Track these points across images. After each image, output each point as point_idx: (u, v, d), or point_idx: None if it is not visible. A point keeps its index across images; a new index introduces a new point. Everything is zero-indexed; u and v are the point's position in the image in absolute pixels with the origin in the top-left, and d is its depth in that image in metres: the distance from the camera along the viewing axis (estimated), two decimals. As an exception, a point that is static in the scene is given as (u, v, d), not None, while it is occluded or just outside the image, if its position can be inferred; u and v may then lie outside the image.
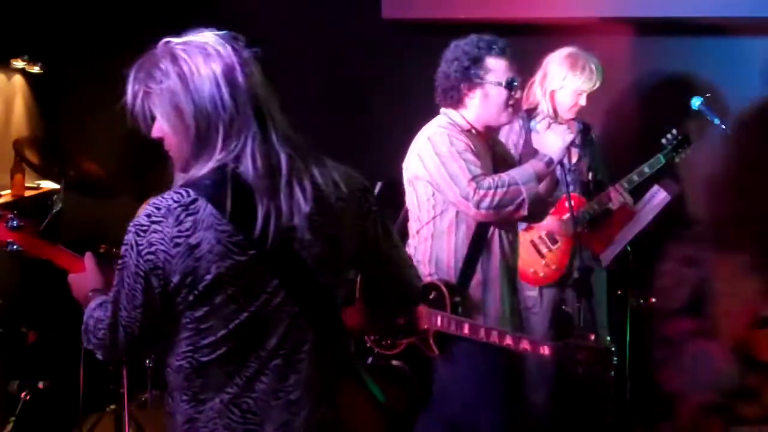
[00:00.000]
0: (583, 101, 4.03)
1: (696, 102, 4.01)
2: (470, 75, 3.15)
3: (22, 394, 3.96)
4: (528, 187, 3.10)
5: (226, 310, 1.89)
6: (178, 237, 1.85)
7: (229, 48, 1.97)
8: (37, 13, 4.72)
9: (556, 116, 4.03)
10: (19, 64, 4.82)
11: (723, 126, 3.95)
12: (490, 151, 3.31)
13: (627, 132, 4.78)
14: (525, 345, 2.96)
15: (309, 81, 5.39)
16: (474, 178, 3.08)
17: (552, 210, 3.95)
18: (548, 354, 2.91)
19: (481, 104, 3.19)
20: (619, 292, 4.36)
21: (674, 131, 4.09)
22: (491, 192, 3.06)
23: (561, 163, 3.85)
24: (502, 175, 3.13)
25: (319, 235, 1.95)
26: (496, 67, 3.15)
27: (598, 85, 4.04)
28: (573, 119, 4.05)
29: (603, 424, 4.23)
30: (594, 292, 3.96)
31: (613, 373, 2.86)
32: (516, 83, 3.17)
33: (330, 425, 2.02)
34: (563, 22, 4.94)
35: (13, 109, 4.99)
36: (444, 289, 3.12)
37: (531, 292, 4.06)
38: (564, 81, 4.00)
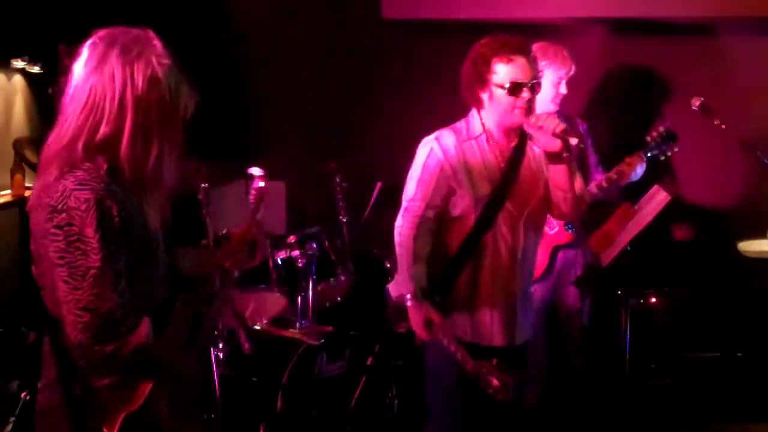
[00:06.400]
0: (563, 89, 4.05)
1: (696, 102, 4.00)
2: (478, 75, 3.14)
3: (22, 394, 3.96)
4: (399, 284, 3.20)
5: None
6: None
7: None
8: (37, 13, 4.72)
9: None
10: (19, 64, 4.82)
11: (723, 126, 3.94)
12: (507, 158, 3.20)
13: (619, 132, 4.80)
14: (468, 366, 3.08)
15: (309, 81, 5.39)
16: (411, 200, 3.19)
17: None
18: (468, 370, 3.06)
19: (490, 106, 3.17)
20: (619, 292, 4.36)
21: (661, 128, 4.05)
22: (399, 229, 3.21)
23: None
24: (411, 251, 3.17)
25: None
26: (501, 70, 3.10)
27: (573, 70, 4.05)
28: (556, 113, 4.07)
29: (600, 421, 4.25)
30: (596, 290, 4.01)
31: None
32: (522, 86, 3.09)
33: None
34: (563, 22, 4.94)
35: (13, 109, 4.99)
36: None
37: None
38: (540, 72, 4.02)
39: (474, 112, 3.23)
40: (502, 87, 3.10)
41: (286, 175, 5.33)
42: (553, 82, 4.02)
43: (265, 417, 3.98)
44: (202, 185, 4.22)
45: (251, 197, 2.67)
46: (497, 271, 3.18)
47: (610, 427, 4.33)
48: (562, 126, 3.12)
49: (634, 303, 4.53)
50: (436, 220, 3.19)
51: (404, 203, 3.23)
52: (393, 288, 3.24)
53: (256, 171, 2.75)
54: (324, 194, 4.77)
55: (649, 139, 4.03)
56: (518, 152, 3.23)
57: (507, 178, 3.18)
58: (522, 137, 3.23)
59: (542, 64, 3.98)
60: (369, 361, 4.28)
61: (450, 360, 3.12)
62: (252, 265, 2.62)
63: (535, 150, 3.25)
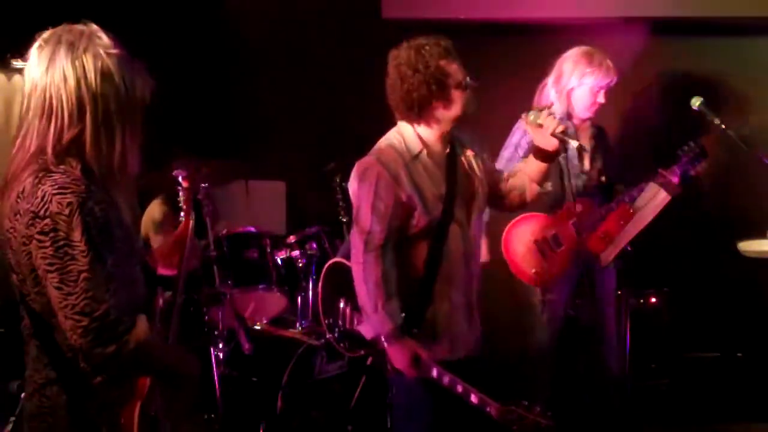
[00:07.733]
0: (602, 98, 3.99)
1: (696, 102, 3.99)
2: (437, 83, 3.00)
3: (22, 394, 3.96)
4: (374, 324, 3.01)
5: None
6: None
7: None
8: (37, 13, 4.72)
9: (571, 117, 4.01)
10: (19, 64, 4.82)
11: (723, 126, 3.94)
12: (445, 168, 3.12)
13: (640, 132, 4.80)
14: (474, 399, 2.88)
15: (309, 81, 5.39)
16: (369, 233, 3.00)
17: (559, 213, 3.98)
18: (494, 415, 2.83)
19: (444, 111, 3.04)
20: (619, 292, 4.37)
21: (691, 143, 3.95)
22: (363, 265, 3.00)
23: (567, 168, 3.81)
24: (382, 288, 2.97)
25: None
26: (455, 71, 3.02)
27: (615, 81, 3.99)
28: (588, 120, 4.06)
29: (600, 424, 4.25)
30: (596, 292, 4.00)
31: None
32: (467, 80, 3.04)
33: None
34: (562, 22, 4.94)
35: (13, 109, 4.99)
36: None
37: (538, 297, 4.06)
38: (583, 78, 3.96)
39: (404, 124, 3.11)
40: (459, 86, 3.02)
41: (286, 175, 5.33)
42: (592, 90, 3.96)
43: (265, 417, 3.98)
44: (202, 185, 4.22)
45: (181, 200, 2.62)
46: (455, 283, 3.10)
47: (610, 427, 4.33)
48: (561, 127, 3.12)
49: (634, 303, 4.53)
50: (396, 248, 3.04)
51: (360, 236, 3.02)
52: (367, 329, 3.08)
53: (179, 173, 2.67)
54: (324, 194, 4.77)
55: (680, 153, 3.93)
56: (452, 159, 3.15)
57: (451, 188, 3.10)
58: (452, 143, 3.15)
59: (586, 70, 3.95)
60: (369, 361, 4.28)
61: (424, 393, 2.99)
62: (191, 267, 2.55)
63: (466, 152, 3.19)
